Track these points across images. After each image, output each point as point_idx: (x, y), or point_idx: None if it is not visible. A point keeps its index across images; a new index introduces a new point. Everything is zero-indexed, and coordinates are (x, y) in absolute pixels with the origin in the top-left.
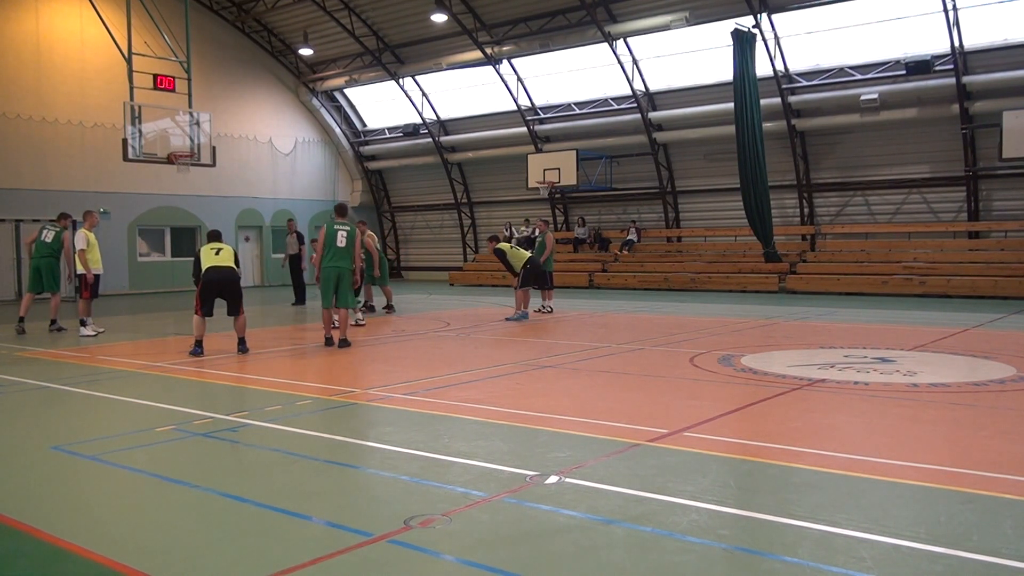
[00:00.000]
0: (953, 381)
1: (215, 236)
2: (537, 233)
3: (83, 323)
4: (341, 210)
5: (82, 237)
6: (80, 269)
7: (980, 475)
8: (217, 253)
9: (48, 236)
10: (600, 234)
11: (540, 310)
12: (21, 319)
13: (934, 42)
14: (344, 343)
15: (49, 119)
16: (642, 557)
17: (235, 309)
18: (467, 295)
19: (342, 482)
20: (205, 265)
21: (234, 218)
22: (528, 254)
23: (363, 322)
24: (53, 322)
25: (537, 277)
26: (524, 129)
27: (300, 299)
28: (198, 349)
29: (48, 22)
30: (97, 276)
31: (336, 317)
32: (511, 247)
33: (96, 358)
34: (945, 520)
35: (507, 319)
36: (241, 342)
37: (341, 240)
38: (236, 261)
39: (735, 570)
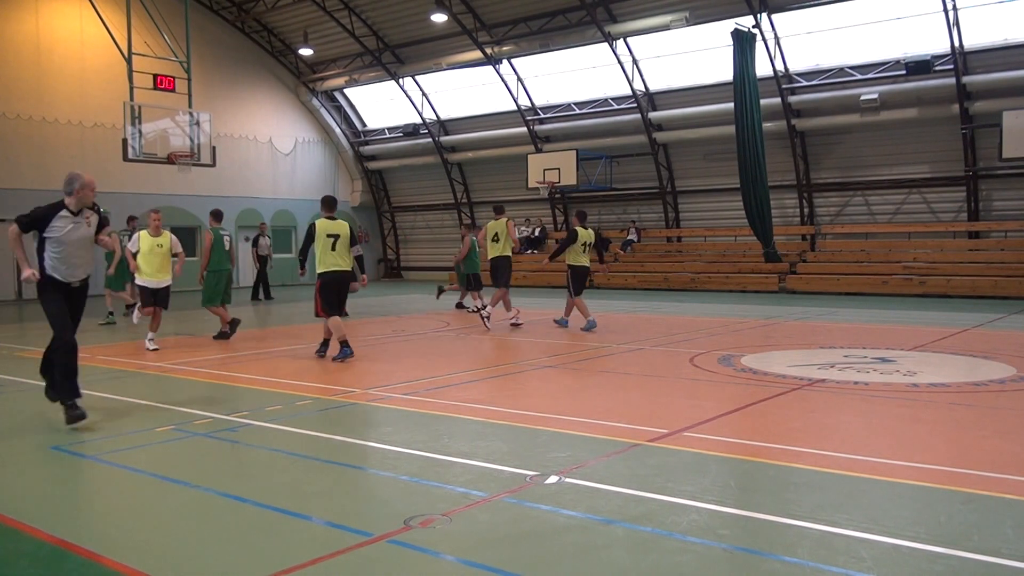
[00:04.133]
0: (953, 381)
1: (330, 205)
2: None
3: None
4: (219, 215)
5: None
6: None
7: (980, 475)
8: (334, 247)
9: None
10: (600, 234)
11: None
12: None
13: (934, 42)
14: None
15: (49, 119)
16: (642, 557)
17: (340, 309)
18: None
19: (342, 482)
20: (322, 259)
21: (234, 218)
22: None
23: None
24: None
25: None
26: (524, 129)
27: (267, 295)
28: (348, 350)
29: (48, 22)
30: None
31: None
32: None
33: (96, 358)
34: (945, 520)
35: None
36: (324, 344)
37: (227, 243)
38: (352, 238)
39: (735, 570)
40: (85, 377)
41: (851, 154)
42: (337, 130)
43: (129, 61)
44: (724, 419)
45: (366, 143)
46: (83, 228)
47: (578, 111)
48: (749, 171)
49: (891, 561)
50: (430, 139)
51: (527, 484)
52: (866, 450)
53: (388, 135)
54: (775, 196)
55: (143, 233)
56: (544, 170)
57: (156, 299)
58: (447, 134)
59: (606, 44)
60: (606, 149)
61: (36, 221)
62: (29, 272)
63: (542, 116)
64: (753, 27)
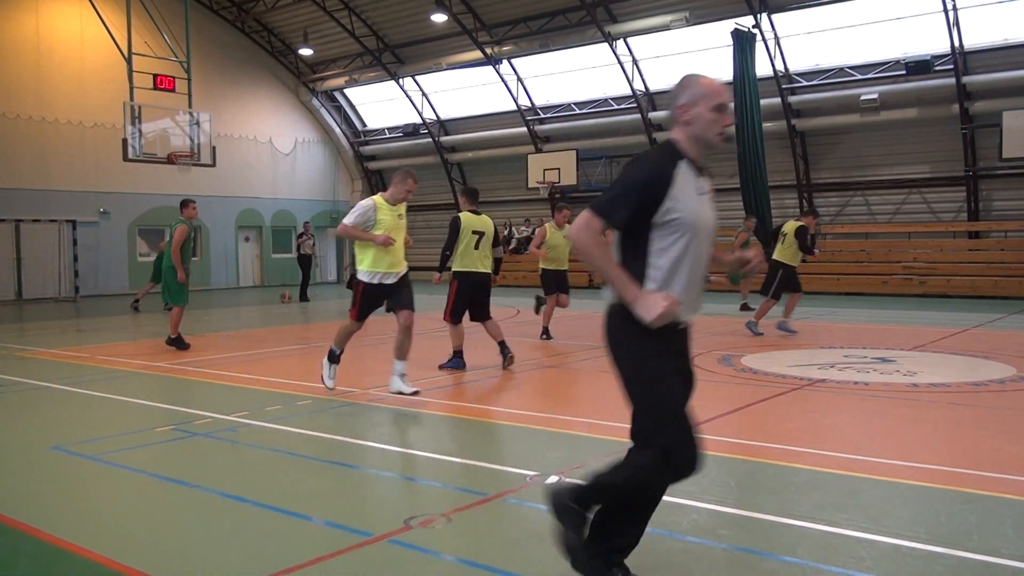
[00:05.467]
0: (953, 381)
1: (474, 197)
2: None
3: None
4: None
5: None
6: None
7: (980, 475)
8: (477, 245)
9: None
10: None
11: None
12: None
13: (934, 42)
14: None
15: (49, 119)
16: (642, 557)
17: (485, 314)
18: None
19: (342, 482)
20: (462, 258)
21: (234, 218)
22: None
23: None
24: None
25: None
26: (524, 129)
27: (303, 296)
28: (460, 361)
29: (48, 22)
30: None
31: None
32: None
33: (96, 358)
34: (945, 520)
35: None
36: (503, 346)
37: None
38: (496, 238)
39: (735, 570)
40: (84, 377)
41: (851, 154)
42: (337, 130)
43: (129, 61)
44: (724, 419)
45: (366, 143)
46: (707, 204)
47: (578, 111)
48: (749, 171)
49: (891, 561)
50: (430, 139)
51: (527, 484)
52: (866, 450)
53: (388, 135)
54: (775, 196)
55: (379, 199)
56: (544, 170)
57: (393, 300)
58: (447, 134)
59: (606, 44)
60: (606, 149)
61: (653, 189)
62: (670, 298)
63: (542, 116)
64: (753, 27)
